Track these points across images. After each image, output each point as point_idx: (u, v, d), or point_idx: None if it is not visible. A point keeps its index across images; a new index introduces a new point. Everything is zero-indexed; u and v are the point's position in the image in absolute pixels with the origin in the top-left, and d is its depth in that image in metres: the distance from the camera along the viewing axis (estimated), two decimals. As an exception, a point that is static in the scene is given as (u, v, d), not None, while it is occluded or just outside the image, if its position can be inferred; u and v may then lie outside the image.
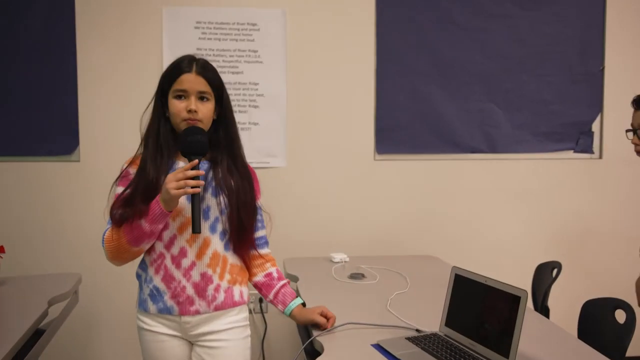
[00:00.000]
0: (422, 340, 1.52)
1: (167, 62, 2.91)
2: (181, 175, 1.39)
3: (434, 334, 1.57)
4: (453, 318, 1.56)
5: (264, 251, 1.69)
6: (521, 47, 3.10)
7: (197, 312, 1.52)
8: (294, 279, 2.30)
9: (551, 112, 3.14)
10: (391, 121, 3.06)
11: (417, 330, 1.62)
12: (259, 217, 1.67)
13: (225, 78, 2.92)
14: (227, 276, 1.56)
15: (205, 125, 1.52)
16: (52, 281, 2.14)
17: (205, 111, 1.52)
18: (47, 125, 2.87)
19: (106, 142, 2.90)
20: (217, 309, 1.54)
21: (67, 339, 2.91)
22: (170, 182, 1.40)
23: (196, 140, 1.45)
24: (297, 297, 1.68)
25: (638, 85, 3.14)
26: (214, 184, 1.55)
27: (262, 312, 3.00)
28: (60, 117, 2.88)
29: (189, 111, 1.48)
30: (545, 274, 2.36)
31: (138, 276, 1.62)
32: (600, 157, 3.16)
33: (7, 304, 1.91)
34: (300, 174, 3.03)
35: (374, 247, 3.02)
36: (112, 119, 2.91)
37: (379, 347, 1.49)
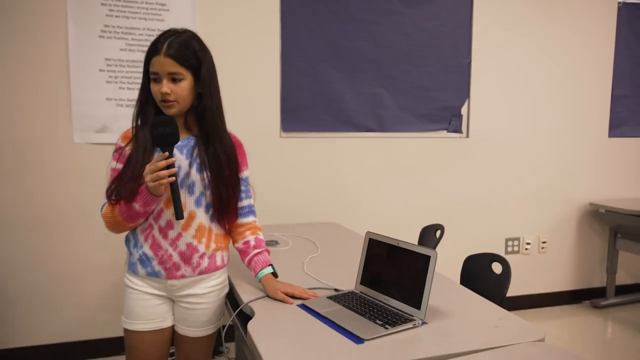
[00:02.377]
0: (341, 298, 1.51)
1: (72, 37, 2.60)
2: (153, 167, 1.32)
3: (351, 292, 1.57)
4: (368, 277, 1.57)
5: (245, 220, 1.62)
6: (406, 40, 3.17)
7: (183, 277, 1.51)
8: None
9: (429, 97, 3.27)
10: (295, 102, 3.00)
11: (336, 290, 1.61)
12: (243, 187, 1.59)
13: (134, 56, 2.72)
14: (213, 245, 1.54)
15: (182, 104, 1.43)
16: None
17: (179, 91, 1.40)
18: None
19: (9, 118, 2.53)
20: (201, 273, 1.53)
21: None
22: (147, 174, 1.35)
23: (161, 134, 1.33)
24: (268, 266, 1.58)
25: (498, 75, 3.39)
26: (198, 160, 1.47)
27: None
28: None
29: (162, 94, 1.39)
30: (430, 235, 2.47)
31: (127, 240, 1.56)
32: (467, 136, 3.37)
33: None
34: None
35: (282, 216, 2.97)
36: (14, 94, 2.53)
37: (304, 307, 1.46)
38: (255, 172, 2.95)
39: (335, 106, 3.08)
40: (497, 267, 1.85)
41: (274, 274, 1.58)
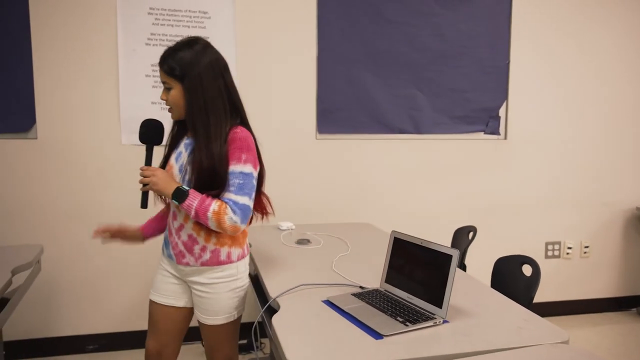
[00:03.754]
0: (365, 296, 1.53)
1: (121, 45, 2.74)
2: None
3: (376, 290, 1.58)
4: (392, 275, 1.58)
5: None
6: (442, 42, 3.14)
7: (187, 264, 1.61)
8: (246, 245, 2.25)
9: (465, 99, 3.22)
10: (330, 104, 3.03)
11: (361, 287, 1.63)
12: (235, 180, 1.48)
13: (179, 62, 2.82)
14: (214, 239, 1.58)
15: (176, 110, 1.55)
16: (15, 252, 1.97)
17: (170, 98, 1.53)
18: (2, 104, 2.62)
19: (62, 120, 2.70)
20: (203, 264, 1.59)
21: (30, 306, 2.73)
22: None
23: (139, 133, 1.61)
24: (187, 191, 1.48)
25: (537, 76, 3.30)
26: (191, 159, 1.52)
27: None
28: (16, 96, 2.64)
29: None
30: (463, 237, 2.44)
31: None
32: (505, 137, 3.29)
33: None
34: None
35: (316, 216, 3.01)
36: (68, 98, 2.70)
37: (328, 303, 1.49)
38: (291, 173, 3.01)
39: (370, 108, 3.09)
40: (527, 270, 1.82)
41: (180, 194, 1.47)
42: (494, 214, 3.32)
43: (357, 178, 3.11)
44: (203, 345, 1.79)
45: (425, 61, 3.14)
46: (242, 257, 1.64)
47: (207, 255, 1.58)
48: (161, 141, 1.62)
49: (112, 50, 2.72)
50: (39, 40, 2.63)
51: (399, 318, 1.34)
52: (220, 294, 1.60)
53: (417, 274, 1.48)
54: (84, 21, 2.67)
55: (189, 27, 2.82)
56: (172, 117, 1.59)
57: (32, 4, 2.61)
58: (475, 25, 3.18)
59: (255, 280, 2.03)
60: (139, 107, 2.78)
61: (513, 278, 1.85)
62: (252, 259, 2.07)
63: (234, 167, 1.49)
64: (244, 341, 2.94)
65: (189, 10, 2.80)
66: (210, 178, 1.48)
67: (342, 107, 3.05)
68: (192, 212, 1.47)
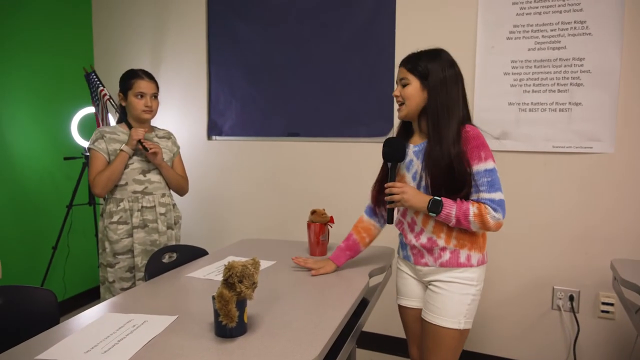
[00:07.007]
0: None
1: (480, 42, 2.55)
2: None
3: None
4: None
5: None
6: None
7: (426, 265, 1.65)
8: (633, 287, 1.70)
9: None
10: None
11: None
12: (478, 181, 1.50)
13: (543, 55, 2.44)
14: (454, 241, 1.59)
15: (409, 105, 1.58)
16: (372, 254, 2.02)
17: (407, 94, 1.58)
18: (368, 112, 2.84)
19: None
20: (442, 265, 1.61)
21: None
22: None
23: (384, 152, 1.64)
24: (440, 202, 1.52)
25: None
26: (424, 164, 1.56)
27: (573, 311, 2.43)
28: (379, 104, 2.81)
29: (395, 96, 1.63)
30: None
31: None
32: None
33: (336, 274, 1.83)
34: (631, 162, 2.31)
35: None
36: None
37: None
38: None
39: None
40: None
41: (437, 204, 1.51)
42: None
43: None
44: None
45: None
46: (481, 263, 1.62)
47: (446, 256, 1.60)
48: (403, 158, 1.64)
49: (470, 49, 2.56)
50: (400, 47, 2.71)
51: None
52: (452, 294, 1.59)
53: None
54: (446, 21, 2.60)
55: (560, 12, 2.39)
56: (400, 115, 1.62)
57: (399, 10, 2.70)
58: None
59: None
60: (495, 109, 2.54)
61: None
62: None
63: (478, 167, 1.51)
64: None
65: (562, -7, 2.37)
66: (445, 178, 1.50)
67: None
68: (453, 220, 1.51)
